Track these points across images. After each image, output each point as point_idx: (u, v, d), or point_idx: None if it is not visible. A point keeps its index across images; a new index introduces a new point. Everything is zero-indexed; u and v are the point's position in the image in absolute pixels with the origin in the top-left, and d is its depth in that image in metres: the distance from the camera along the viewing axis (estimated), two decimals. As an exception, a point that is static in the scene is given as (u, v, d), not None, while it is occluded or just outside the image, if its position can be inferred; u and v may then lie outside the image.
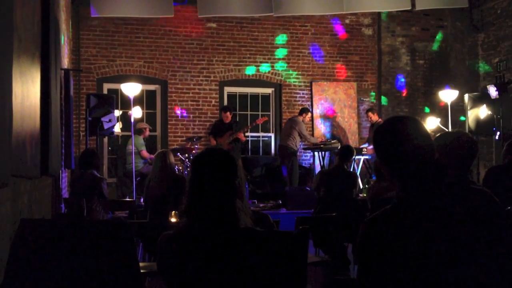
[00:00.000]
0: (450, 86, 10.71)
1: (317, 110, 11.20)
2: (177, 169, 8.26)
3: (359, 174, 9.50)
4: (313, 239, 5.32)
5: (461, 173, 2.74)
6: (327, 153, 10.17)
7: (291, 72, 11.16)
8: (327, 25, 11.30)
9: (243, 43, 10.93)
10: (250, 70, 10.92)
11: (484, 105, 9.09)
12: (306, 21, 11.10)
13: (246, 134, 10.67)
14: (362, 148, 10.08)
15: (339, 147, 9.02)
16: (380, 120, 10.25)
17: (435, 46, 11.57)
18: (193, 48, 10.72)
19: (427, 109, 11.34)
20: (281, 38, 11.09)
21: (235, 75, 10.94)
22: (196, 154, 8.85)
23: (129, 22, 10.28)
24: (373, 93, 11.49)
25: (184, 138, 10.53)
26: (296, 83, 11.19)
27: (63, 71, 6.93)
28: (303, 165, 10.94)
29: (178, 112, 10.61)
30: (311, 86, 11.21)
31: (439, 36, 11.52)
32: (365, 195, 7.92)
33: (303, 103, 11.11)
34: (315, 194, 6.97)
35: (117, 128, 9.45)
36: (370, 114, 10.48)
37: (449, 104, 9.75)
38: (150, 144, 10.21)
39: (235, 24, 10.86)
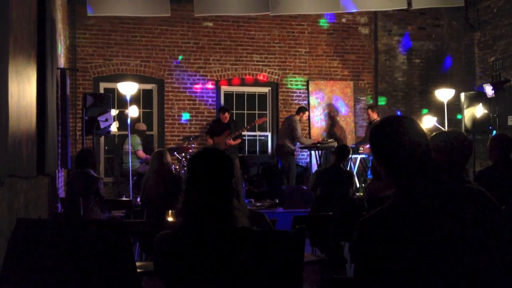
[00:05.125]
0: (446, 85, 10.73)
1: (314, 109, 11.20)
2: (174, 168, 8.26)
3: (356, 173, 9.51)
4: (309, 238, 5.33)
5: (456, 172, 2.75)
6: (323, 152, 10.18)
7: (287, 71, 11.16)
8: (324, 24, 11.30)
9: (239, 42, 10.93)
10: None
11: (480, 104, 9.11)
12: (303, 20, 11.10)
13: (243, 133, 10.67)
14: (358, 146, 10.08)
15: (335, 146, 9.02)
16: (378, 119, 10.25)
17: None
18: (189, 47, 10.71)
19: (425, 110, 11.35)
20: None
21: (232, 74, 10.94)
22: (192, 153, 8.82)
23: (126, 21, 10.27)
24: (369, 97, 11.50)
25: (180, 138, 10.53)
26: (293, 82, 11.20)
27: (59, 70, 6.92)
28: (300, 164, 10.95)
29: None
30: (307, 85, 11.21)
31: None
32: (361, 194, 7.94)
33: (300, 102, 11.11)
34: (312, 193, 6.98)
35: (114, 127, 9.45)
36: (370, 111, 10.45)
37: (445, 103, 9.77)
38: (147, 143, 10.21)
39: (231, 23, 10.86)
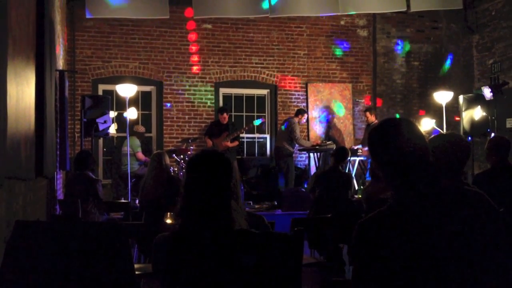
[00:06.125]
0: (444, 87, 10.74)
1: (313, 111, 11.21)
2: (172, 170, 8.26)
3: (354, 175, 9.51)
4: (308, 240, 5.33)
5: (454, 174, 2.76)
6: (322, 154, 10.18)
7: (286, 73, 11.17)
8: (322, 26, 11.32)
9: (238, 44, 10.93)
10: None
11: (479, 107, 9.12)
12: (301, 22, 11.11)
13: (241, 135, 10.66)
14: (357, 149, 10.09)
15: (334, 148, 9.03)
16: (376, 121, 10.25)
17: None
18: (188, 49, 10.72)
19: (423, 113, 11.37)
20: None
21: (231, 76, 10.95)
22: (191, 156, 8.83)
23: (124, 23, 10.27)
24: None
25: (179, 140, 10.53)
26: (292, 84, 11.20)
27: (58, 72, 6.92)
28: (299, 166, 10.95)
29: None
30: (306, 87, 11.22)
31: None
32: (360, 196, 7.94)
33: (299, 104, 11.12)
34: (310, 196, 6.98)
35: (112, 129, 9.45)
36: (368, 114, 10.47)
37: (443, 105, 9.78)
38: (145, 145, 10.21)
39: (230, 25, 10.87)
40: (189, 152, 9.54)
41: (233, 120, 10.65)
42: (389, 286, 1.72)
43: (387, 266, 1.71)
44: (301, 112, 10.32)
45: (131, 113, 9.60)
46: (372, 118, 10.34)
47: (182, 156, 9.59)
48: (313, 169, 10.46)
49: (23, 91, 3.31)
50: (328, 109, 11.28)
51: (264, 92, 11.28)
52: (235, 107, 11.23)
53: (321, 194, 6.55)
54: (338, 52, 11.35)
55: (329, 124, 11.29)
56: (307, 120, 10.98)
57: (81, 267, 2.58)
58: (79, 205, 5.66)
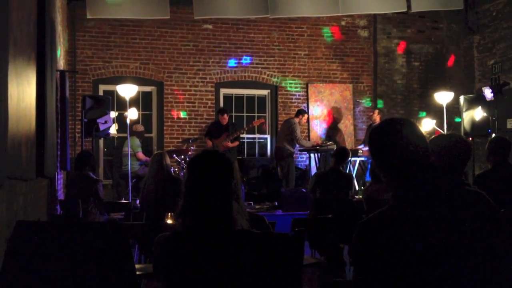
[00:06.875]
0: (445, 87, 10.74)
1: (313, 112, 11.21)
2: (173, 170, 8.26)
3: (355, 175, 9.51)
4: (309, 240, 5.33)
5: (455, 175, 2.76)
6: (322, 155, 10.17)
7: (287, 73, 11.17)
8: (323, 27, 11.32)
9: (239, 44, 10.93)
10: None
11: (480, 107, 9.12)
12: (302, 22, 11.11)
13: (242, 135, 10.66)
14: (358, 149, 10.09)
15: (334, 148, 9.02)
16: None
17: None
18: (189, 50, 10.72)
19: (423, 113, 11.37)
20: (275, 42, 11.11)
21: (231, 77, 10.95)
22: (192, 156, 8.83)
23: (125, 23, 10.28)
24: (367, 98, 11.51)
25: (180, 140, 10.53)
26: (292, 85, 11.20)
27: (58, 73, 6.93)
28: (299, 166, 10.95)
29: (176, 115, 10.64)
30: (307, 87, 11.22)
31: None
32: (360, 196, 7.94)
33: (299, 104, 11.12)
34: (311, 196, 6.98)
35: (113, 129, 9.45)
36: (376, 112, 10.48)
37: (444, 106, 9.77)
38: (146, 145, 10.21)
39: (231, 26, 10.87)
40: (189, 153, 9.54)
41: (233, 121, 10.65)
42: (389, 286, 1.72)
43: (388, 267, 1.71)
44: (301, 112, 10.32)
45: (132, 114, 9.60)
46: (376, 119, 10.33)
47: (182, 157, 9.59)
48: (313, 170, 10.45)
49: (24, 91, 3.32)
50: (328, 109, 11.27)
51: (264, 92, 11.28)
52: (235, 107, 11.23)
53: (322, 194, 6.55)
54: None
55: (330, 124, 11.28)
56: (308, 121, 10.98)
57: (81, 268, 2.59)
58: (80, 205, 5.66)
